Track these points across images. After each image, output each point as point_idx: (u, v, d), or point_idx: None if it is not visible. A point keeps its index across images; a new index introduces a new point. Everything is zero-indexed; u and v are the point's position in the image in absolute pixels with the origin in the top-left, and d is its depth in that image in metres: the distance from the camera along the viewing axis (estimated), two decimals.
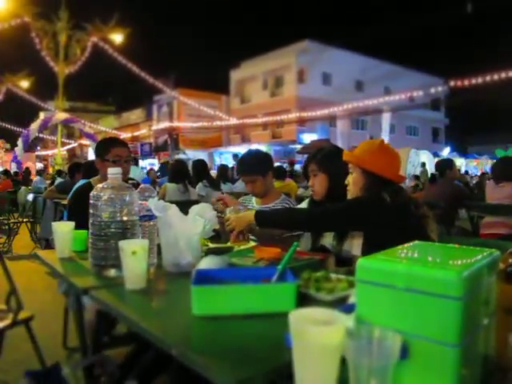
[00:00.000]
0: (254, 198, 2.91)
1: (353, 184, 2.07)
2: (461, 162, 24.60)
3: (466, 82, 16.46)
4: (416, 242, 0.97)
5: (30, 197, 7.65)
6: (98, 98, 48.48)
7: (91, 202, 1.74)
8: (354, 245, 2.11)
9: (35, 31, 20.09)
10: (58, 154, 22.95)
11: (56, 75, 21.17)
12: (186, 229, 1.72)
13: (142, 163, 26.89)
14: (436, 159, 12.89)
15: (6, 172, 15.77)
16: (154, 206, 1.72)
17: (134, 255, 1.47)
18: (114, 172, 1.77)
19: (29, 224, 7.60)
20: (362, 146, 2.09)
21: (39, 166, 31.21)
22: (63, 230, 2.05)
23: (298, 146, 25.32)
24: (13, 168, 18.65)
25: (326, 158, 2.36)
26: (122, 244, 1.49)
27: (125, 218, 1.72)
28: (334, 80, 31.12)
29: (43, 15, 19.88)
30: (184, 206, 1.87)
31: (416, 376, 0.76)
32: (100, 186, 1.75)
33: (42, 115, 23.89)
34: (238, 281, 1.28)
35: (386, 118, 18.64)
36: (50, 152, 36.72)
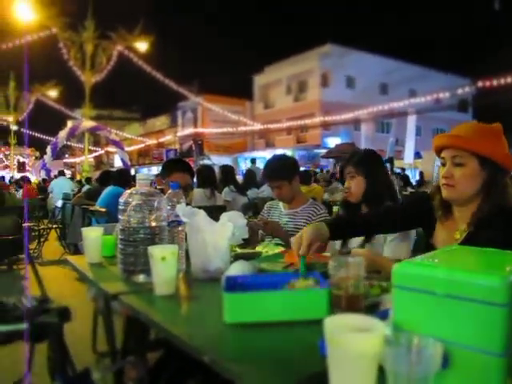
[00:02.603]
0: (280, 203, 2.90)
1: (466, 178, 1.60)
2: None
3: (495, 83, 16.12)
4: (454, 246, 0.94)
5: (59, 203, 7.79)
6: (124, 106, 49.23)
7: (120, 207, 1.75)
8: (375, 245, 2.13)
9: (63, 42, 20.55)
10: (85, 161, 23.35)
11: (83, 84, 21.59)
12: (215, 234, 1.71)
13: None
14: None
15: (27, 179, 16.06)
16: (181, 212, 1.71)
17: (163, 261, 1.47)
18: (142, 178, 1.78)
19: (58, 230, 7.73)
20: (472, 129, 1.64)
21: (67, 173, 31.85)
22: (92, 235, 2.06)
23: (323, 151, 25.20)
24: (42, 175, 19.04)
25: (364, 160, 2.36)
26: (152, 249, 1.49)
27: (153, 224, 1.73)
28: (357, 83, 30.90)
29: (70, 26, 20.33)
30: (210, 211, 1.86)
31: None
32: (129, 191, 1.76)
33: (69, 124, 24.38)
34: (268, 287, 1.26)
35: (412, 121, 18.35)
36: (77, 159, 37.36)
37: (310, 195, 5.66)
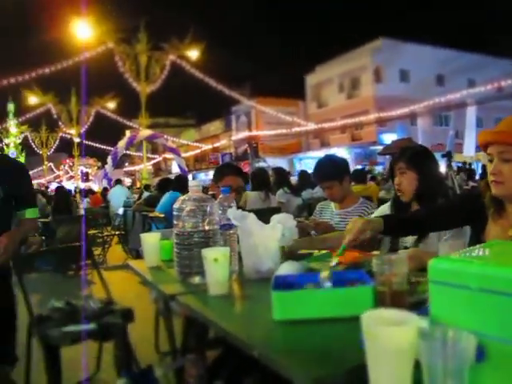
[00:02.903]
0: (332, 204, 2.92)
1: None
2: None
3: None
4: (492, 241, 0.95)
5: (121, 210, 8.13)
6: (179, 113, 50.43)
7: (175, 213, 1.84)
8: (429, 243, 2.09)
9: (118, 55, 21.39)
10: (144, 168, 24.13)
11: (138, 95, 22.34)
12: (265, 236, 1.77)
13: None
14: None
15: (92, 191, 16.79)
16: (232, 216, 1.79)
17: (215, 262, 1.54)
18: (194, 184, 1.87)
19: (120, 236, 8.08)
20: None
21: (128, 181, 33.04)
22: (151, 240, 2.18)
23: (379, 147, 24.74)
24: (103, 184, 19.85)
25: (416, 155, 2.33)
26: (205, 252, 1.57)
27: (206, 228, 1.81)
28: (412, 76, 30.11)
29: (124, 40, 21.13)
30: (265, 214, 1.93)
31: (494, 378, 0.75)
32: (182, 198, 1.85)
33: (127, 133, 25.25)
34: (315, 285, 1.30)
35: (471, 112, 17.69)
36: (137, 167, 38.69)
37: (365, 193, 5.63)
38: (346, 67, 31.02)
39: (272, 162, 24.38)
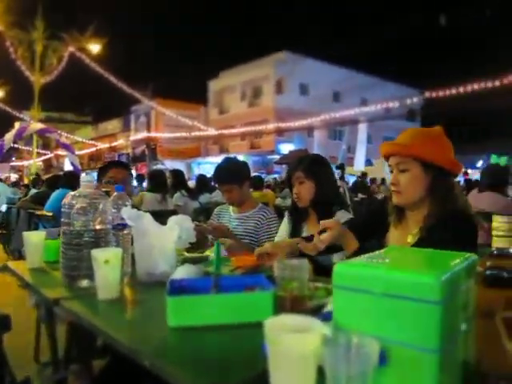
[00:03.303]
0: (230, 208, 2.89)
1: (410, 184, 1.64)
2: None
3: (441, 93, 16.78)
4: (392, 246, 0.95)
5: (3, 207, 7.48)
6: (75, 109, 47.99)
7: (63, 210, 1.69)
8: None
9: (10, 40, 19.84)
10: (33, 164, 22.59)
11: (32, 85, 20.91)
12: (161, 237, 1.68)
13: None
14: None
15: None
16: (127, 215, 1.67)
17: (106, 264, 1.43)
18: (86, 180, 1.73)
19: (1, 235, 7.42)
20: (414, 135, 1.68)
21: (14, 176, 30.70)
22: (34, 239, 1.99)
23: (277, 157, 25.39)
24: None
25: (313, 165, 2.39)
26: (95, 253, 1.45)
27: (98, 227, 1.68)
28: (311, 90, 31.37)
29: (18, 24, 19.67)
30: (162, 216, 1.83)
31: (395, 382, 0.74)
32: (72, 193, 1.70)
33: (16, 125, 23.51)
34: (213, 290, 1.24)
35: (363, 129, 18.82)
36: (25, 163, 36.12)
37: (262, 200, 5.68)
38: (250, 76, 31.54)
39: (170, 164, 24.03)
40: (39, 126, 19.93)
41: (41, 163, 34.92)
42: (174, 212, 4.87)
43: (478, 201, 4.44)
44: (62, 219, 1.69)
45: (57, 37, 20.70)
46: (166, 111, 27.43)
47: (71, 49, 20.79)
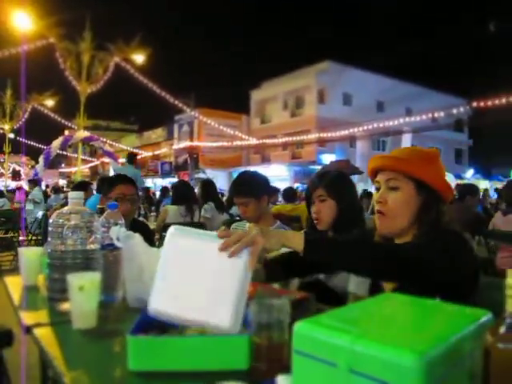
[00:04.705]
0: (247, 224, 2.72)
1: (400, 204, 1.44)
2: (485, 184, 24.04)
3: (490, 103, 16.09)
4: (384, 295, 0.76)
5: (39, 214, 7.58)
6: (122, 117, 49.25)
7: (50, 228, 1.58)
8: (350, 280, 1.91)
9: (60, 52, 20.49)
10: (78, 171, 23.17)
11: (79, 94, 21.47)
12: (151, 260, 1.53)
13: (162, 182, 27.09)
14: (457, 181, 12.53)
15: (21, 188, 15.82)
16: (115, 235, 1.54)
17: (80, 291, 1.29)
18: (74, 196, 1.61)
19: (37, 241, 7.52)
20: (410, 151, 1.52)
21: (62, 182, 31.69)
22: (30, 256, 1.89)
23: (318, 167, 25.08)
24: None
25: (335, 182, 2.18)
26: (70, 278, 1.32)
27: (87, 247, 1.56)
28: (354, 100, 30.91)
29: (68, 36, 20.31)
30: None
31: None
32: (59, 211, 1.59)
33: (66, 133, 24.22)
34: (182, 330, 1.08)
35: (407, 139, 18.33)
36: (73, 169, 37.20)
37: (294, 213, 5.45)
38: (292, 86, 31.40)
39: (212, 174, 24.15)
40: (84, 134, 20.50)
41: (87, 170, 35.87)
42: (200, 225, 4.74)
43: (506, 223, 4.22)
44: (48, 238, 1.57)
45: (103, 48, 21.23)
46: (208, 120, 27.61)
47: (117, 59, 21.25)
